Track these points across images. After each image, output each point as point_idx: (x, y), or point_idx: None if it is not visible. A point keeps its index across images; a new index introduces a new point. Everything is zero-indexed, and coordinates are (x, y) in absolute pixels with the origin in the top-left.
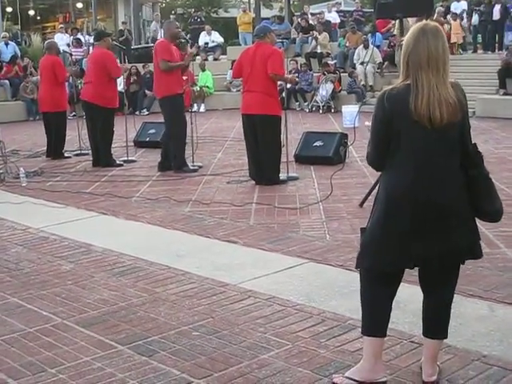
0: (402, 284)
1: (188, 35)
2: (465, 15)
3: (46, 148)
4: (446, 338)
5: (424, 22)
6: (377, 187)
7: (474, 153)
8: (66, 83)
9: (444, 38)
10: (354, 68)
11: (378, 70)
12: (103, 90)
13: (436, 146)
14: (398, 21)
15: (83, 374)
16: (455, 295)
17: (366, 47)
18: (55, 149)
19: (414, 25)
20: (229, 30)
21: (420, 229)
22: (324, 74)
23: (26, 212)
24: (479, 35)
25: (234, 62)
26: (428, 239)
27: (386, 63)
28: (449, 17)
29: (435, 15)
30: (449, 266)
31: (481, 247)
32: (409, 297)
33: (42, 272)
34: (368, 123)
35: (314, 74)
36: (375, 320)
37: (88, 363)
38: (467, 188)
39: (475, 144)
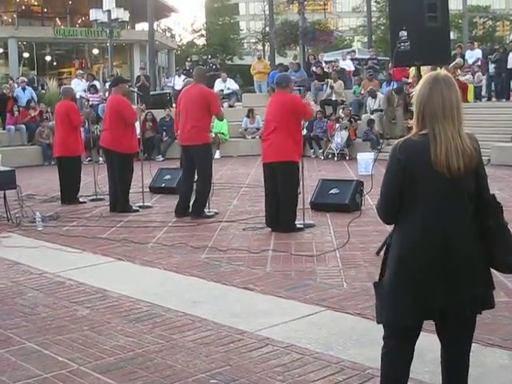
0: (421, 333)
1: None
2: (479, 63)
3: (60, 193)
4: None
5: (436, 71)
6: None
7: (493, 203)
8: (82, 128)
9: (456, 87)
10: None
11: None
12: (120, 135)
13: (452, 194)
14: (414, 68)
15: None
16: (474, 344)
17: (374, 97)
18: (69, 194)
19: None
20: (243, 76)
21: (433, 281)
22: (338, 122)
23: (42, 256)
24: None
25: (249, 109)
26: (441, 291)
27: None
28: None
29: (452, 64)
30: (463, 316)
31: (493, 297)
32: (428, 345)
33: (58, 317)
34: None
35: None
36: (392, 378)
37: None
38: (482, 238)
39: (494, 195)
